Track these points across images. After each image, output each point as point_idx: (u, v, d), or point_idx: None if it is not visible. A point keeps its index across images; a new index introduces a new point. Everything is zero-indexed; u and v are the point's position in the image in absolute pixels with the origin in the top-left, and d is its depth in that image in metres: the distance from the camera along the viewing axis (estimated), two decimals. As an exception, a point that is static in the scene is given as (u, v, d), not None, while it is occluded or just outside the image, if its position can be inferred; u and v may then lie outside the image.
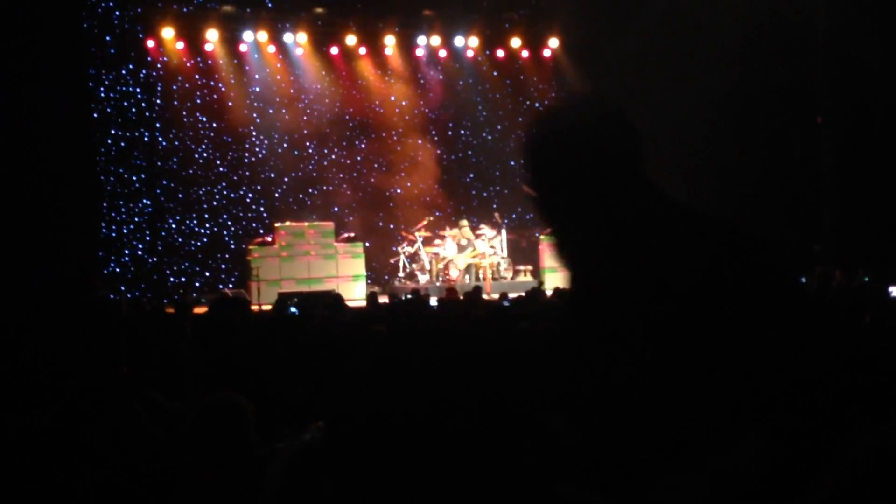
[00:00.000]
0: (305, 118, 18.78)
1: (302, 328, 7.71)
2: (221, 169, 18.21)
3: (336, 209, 18.51)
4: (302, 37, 18.58)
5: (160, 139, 17.80)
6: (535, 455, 1.44)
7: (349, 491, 0.90)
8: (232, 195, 18.27)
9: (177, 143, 17.90)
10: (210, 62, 18.21)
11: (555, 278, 15.30)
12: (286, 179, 18.64)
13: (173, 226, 17.76)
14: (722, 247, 1.85)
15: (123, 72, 17.41)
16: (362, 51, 19.08)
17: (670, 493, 1.67)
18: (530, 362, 1.87)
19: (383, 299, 13.11)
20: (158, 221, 17.57)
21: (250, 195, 18.41)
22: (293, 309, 10.37)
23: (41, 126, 14.07)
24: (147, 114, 17.63)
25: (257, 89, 18.53)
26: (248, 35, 18.27)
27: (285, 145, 18.62)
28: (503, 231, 18.01)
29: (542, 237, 17.54)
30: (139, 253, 17.32)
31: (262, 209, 18.43)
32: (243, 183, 18.37)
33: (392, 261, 18.04)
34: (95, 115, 17.00)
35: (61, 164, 14.54)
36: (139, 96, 17.56)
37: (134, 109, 17.49)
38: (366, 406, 0.97)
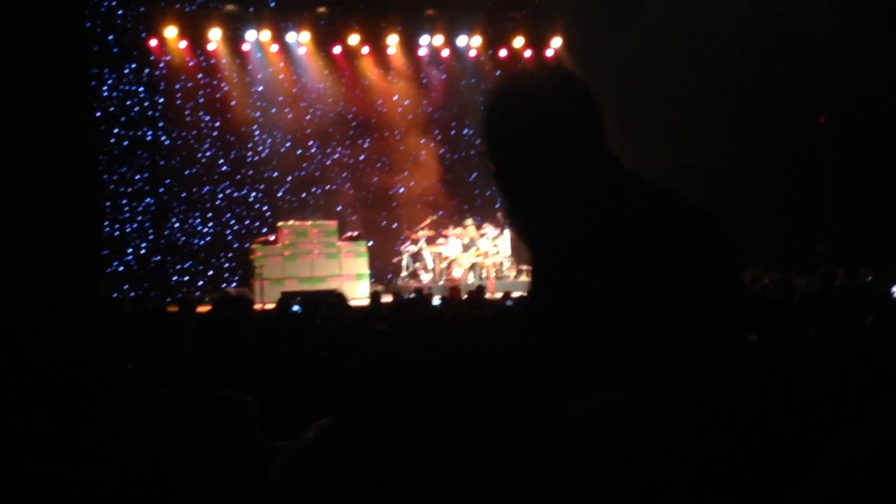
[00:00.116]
0: (308, 117, 18.78)
1: (305, 327, 7.72)
2: (224, 168, 18.23)
3: (339, 208, 18.51)
4: (305, 36, 18.59)
5: (163, 138, 17.82)
6: (540, 452, 1.44)
7: (354, 489, 0.90)
8: (235, 194, 18.28)
9: (179, 142, 17.91)
10: (213, 61, 18.22)
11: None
12: (289, 178, 18.65)
13: (176, 225, 17.77)
14: (669, 224, 1.86)
15: (126, 71, 17.44)
16: (365, 50, 19.09)
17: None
18: (532, 359, 1.87)
19: (386, 298, 13.11)
20: (161, 220, 17.59)
21: (253, 194, 18.42)
22: (296, 307, 10.38)
23: (44, 125, 14.09)
24: (150, 113, 17.66)
25: (260, 88, 18.53)
26: (250, 34, 18.28)
27: (288, 144, 18.62)
28: (506, 230, 18.01)
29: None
30: (142, 252, 17.34)
31: (265, 208, 18.45)
32: (246, 182, 18.38)
33: (395, 260, 18.05)
34: (98, 114, 17.03)
35: (64, 164, 14.56)
36: (142, 95, 17.58)
37: (137, 108, 17.51)
38: (369, 403, 0.98)
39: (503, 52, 20.17)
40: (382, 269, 18.30)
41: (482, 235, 17.63)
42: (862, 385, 4.03)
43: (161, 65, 17.82)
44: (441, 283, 16.89)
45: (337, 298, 10.56)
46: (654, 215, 1.87)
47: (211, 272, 17.86)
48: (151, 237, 17.45)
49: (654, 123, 18.57)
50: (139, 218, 17.41)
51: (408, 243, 17.92)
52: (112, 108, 17.27)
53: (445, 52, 19.76)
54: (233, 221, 18.20)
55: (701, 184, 18.80)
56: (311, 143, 18.80)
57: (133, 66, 17.48)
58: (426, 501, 0.94)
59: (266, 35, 18.36)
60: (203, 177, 18.06)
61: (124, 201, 17.31)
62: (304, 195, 18.69)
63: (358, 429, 0.97)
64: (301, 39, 18.61)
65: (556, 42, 20.34)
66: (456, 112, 19.93)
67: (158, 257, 17.46)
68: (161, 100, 17.83)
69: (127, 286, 16.47)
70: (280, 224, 16.98)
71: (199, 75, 18.17)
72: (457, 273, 17.21)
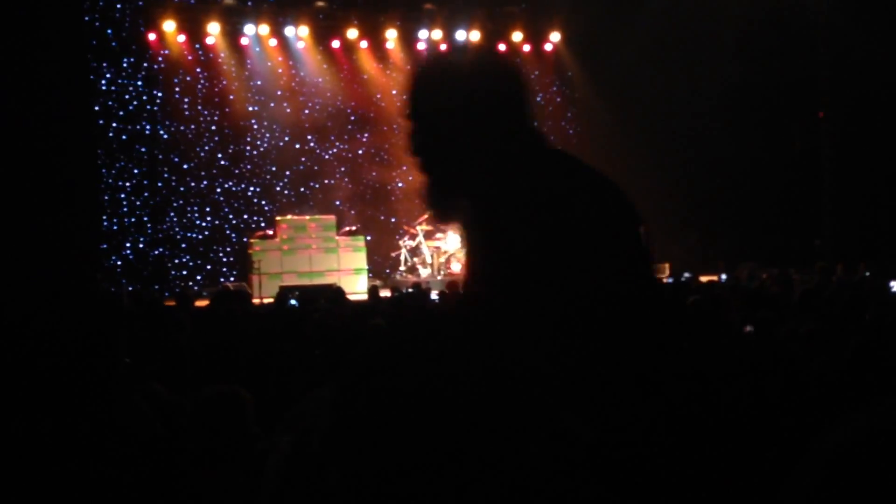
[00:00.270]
0: (307, 111, 18.77)
1: (303, 321, 7.72)
2: (223, 162, 18.21)
3: (338, 203, 18.51)
4: (303, 30, 18.57)
5: (161, 132, 17.80)
6: (539, 450, 1.44)
7: (352, 485, 0.90)
8: (233, 188, 18.27)
9: (178, 136, 17.90)
10: (211, 55, 18.20)
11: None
12: (287, 173, 18.64)
13: (174, 219, 17.76)
14: (583, 194, 1.90)
15: (125, 65, 17.42)
16: (364, 44, 19.07)
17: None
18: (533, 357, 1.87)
19: (385, 293, 13.11)
20: (159, 214, 17.59)
21: (252, 188, 18.41)
22: (293, 301, 10.38)
23: (42, 119, 14.07)
24: (148, 107, 17.64)
25: (259, 82, 18.52)
26: (249, 28, 18.26)
27: (287, 138, 18.61)
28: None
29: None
30: (140, 246, 17.34)
31: (263, 202, 18.44)
32: (244, 176, 18.37)
33: (393, 254, 18.04)
34: (97, 108, 17.02)
35: (62, 157, 14.55)
36: (140, 89, 17.57)
37: (135, 102, 17.50)
38: (368, 400, 0.97)
39: (502, 47, 20.14)
40: (381, 264, 18.30)
41: (480, 230, 17.61)
42: (861, 380, 4.03)
43: (159, 59, 17.80)
44: (439, 277, 16.89)
45: (335, 293, 10.57)
46: (569, 187, 1.89)
47: (209, 266, 17.86)
48: (150, 231, 17.45)
49: (653, 119, 18.58)
50: (137, 212, 17.41)
51: (406, 238, 17.92)
52: (110, 102, 17.26)
53: (444, 47, 19.73)
54: (231, 216, 18.19)
55: (699, 180, 18.84)
56: (309, 137, 18.79)
57: (131, 60, 17.47)
58: (425, 500, 0.94)
59: (265, 29, 18.34)
60: (201, 171, 18.05)
61: (122, 195, 17.31)
62: (302, 189, 18.68)
63: (356, 425, 0.96)
64: (300, 33, 18.59)
65: (555, 37, 20.33)
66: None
67: (157, 251, 17.46)
68: (159, 94, 17.81)
69: (125, 280, 16.46)
70: (278, 218, 16.97)
71: (198, 69, 18.15)
72: (455, 267, 17.21)
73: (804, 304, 7.07)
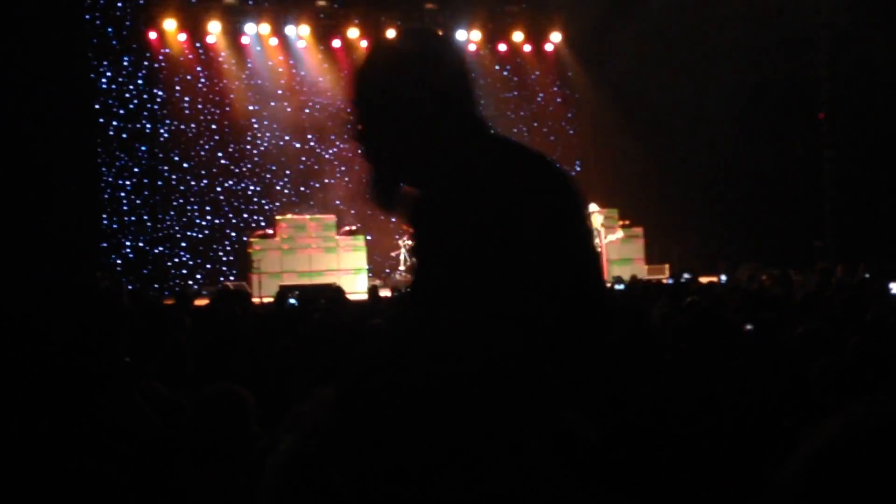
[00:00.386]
0: (307, 111, 18.77)
1: (303, 320, 7.71)
2: (223, 161, 18.21)
3: (338, 202, 18.50)
4: (304, 29, 18.56)
5: (161, 131, 17.80)
6: (538, 448, 1.44)
7: (353, 485, 0.90)
8: (233, 187, 18.27)
9: (178, 135, 17.89)
10: (212, 54, 18.20)
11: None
12: (288, 172, 18.63)
13: (174, 217, 17.76)
14: (524, 177, 1.88)
15: (125, 63, 17.42)
16: (364, 44, 19.06)
17: None
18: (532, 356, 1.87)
19: (385, 293, 13.11)
20: (159, 213, 17.59)
21: (252, 187, 18.41)
22: (292, 301, 10.38)
23: (42, 117, 14.07)
24: (148, 105, 17.64)
25: (259, 82, 18.51)
26: (250, 27, 18.26)
27: (287, 138, 18.61)
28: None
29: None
30: (140, 245, 17.33)
31: (263, 201, 18.44)
32: (244, 175, 18.37)
33: (393, 254, 18.03)
34: (97, 106, 17.01)
35: (62, 156, 14.54)
36: (141, 88, 17.57)
37: (135, 101, 17.50)
38: (367, 399, 0.97)
39: (503, 47, 20.14)
40: (380, 264, 18.30)
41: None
42: (860, 381, 4.03)
43: (160, 58, 17.80)
44: (439, 277, 16.86)
45: (335, 292, 10.57)
46: (516, 174, 1.88)
47: (209, 265, 17.85)
48: (149, 230, 17.45)
49: (653, 119, 18.57)
50: (137, 211, 17.41)
51: (406, 237, 17.92)
52: (111, 101, 17.26)
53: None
54: (231, 215, 18.19)
55: (700, 180, 18.84)
56: (309, 136, 18.78)
57: (132, 58, 17.47)
58: (424, 499, 0.94)
59: (265, 28, 18.34)
60: (201, 170, 18.05)
61: (122, 194, 17.31)
62: (302, 189, 18.68)
63: (356, 425, 0.96)
64: (300, 33, 18.59)
65: (556, 37, 20.32)
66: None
67: (156, 250, 17.46)
68: (160, 92, 17.81)
69: (125, 279, 16.46)
70: (278, 218, 16.97)
71: (198, 68, 18.15)
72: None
73: (805, 306, 7.07)
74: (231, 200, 18.22)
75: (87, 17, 16.80)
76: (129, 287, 15.12)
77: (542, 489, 1.23)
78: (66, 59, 15.09)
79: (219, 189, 18.13)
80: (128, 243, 17.23)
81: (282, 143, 18.57)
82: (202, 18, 17.93)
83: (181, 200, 17.86)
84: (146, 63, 17.64)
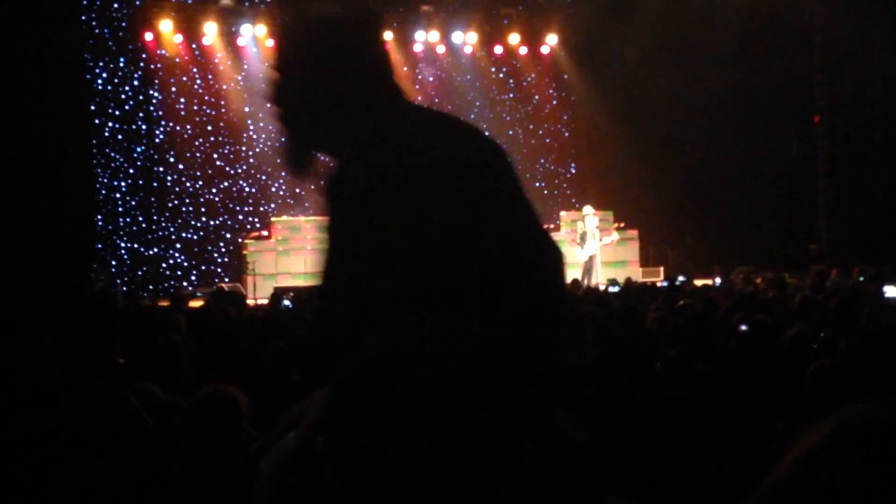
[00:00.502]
0: (303, 112, 18.74)
1: (297, 322, 7.71)
2: (218, 162, 18.19)
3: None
4: (300, 31, 18.54)
5: (157, 132, 17.78)
6: (535, 449, 1.44)
7: (349, 486, 0.90)
8: (229, 189, 18.25)
9: (174, 136, 17.88)
10: (208, 56, 18.18)
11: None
12: (283, 174, 18.60)
13: (169, 219, 17.74)
14: (443, 146, 1.83)
15: (121, 64, 17.40)
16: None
17: None
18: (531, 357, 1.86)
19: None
20: (154, 214, 17.56)
21: (247, 189, 18.39)
22: (286, 302, 10.37)
23: (38, 118, 14.04)
24: (144, 106, 17.62)
25: (255, 83, 18.49)
26: (246, 29, 18.24)
27: (283, 139, 18.57)
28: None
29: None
30: (135, 246, 17.31)
31: (258, 203, 18.41)
32: (240, 176, 18.35)
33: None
34: (92, 107, 16.98)
35: (57, 156, 14.51)
36: (136, 89, 17.55)
37: (131, 102, 17.48)
38: (364, 399, 0.97)
39: (499, 49, 20.14)
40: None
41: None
42: (854, 383, 4.04)
43: (156, 59, 17.78)
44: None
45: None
46: (439, 141, 1.84)
47: (203, 267, 17.83)
48: (144, 231, 17.42)
49: (649, 122, 18.59)
50: (132, 212, 17.38)
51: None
52: (106, 102, 17.23)
53: (441, 49, 19.73)
54: (226, 216, 18.17)
55: (695, 183, 18.85)
56: (305, 138, 18.76)
57: (128, 59, 17.45)
58: (423, 499, 0.94)
59: (261, 30, 18.32)
60: (197, 171, 18.03)
61: (117, 195, 17.28)
62: (297, 190, 18.66)
63: (354, 425, 0.96)
64: (296, 34, 18.57)
65: (552, 39, 20.33)
66: (451, 109, 19.90)
67: (151, 251, 17.43)
68: (155, 94, 17.79)
69: (119, 280, 16.43)
70: (273, 219, 16.95)
71: (194, 69, 18.13)
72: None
73: (799, 309, 7.08)
74: (226, 202, 18.20)
75: (84, 17, 16.77)
76: (124, 288, 15.10)
77: (541, 490, 1.24)
78: (62, 60, 15.07)
79: (214, 190, 18.11)
80: (122, 244, 17.21)
81: (277, 144, 18.51)
82: (198, 20, 17.91)
83: (176, 202, 17.84)
84: (142, 64, 17.62)
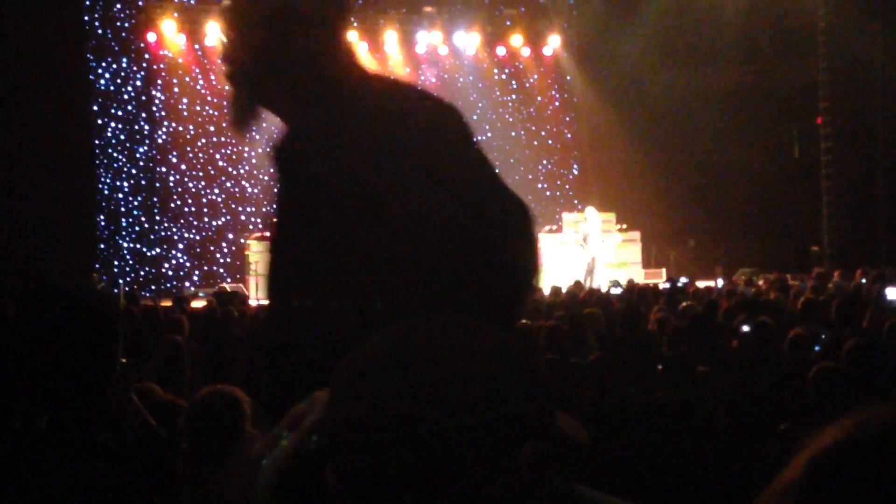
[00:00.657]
0: (305, 113, 18.75)
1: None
2: (221, 163, 18.20)
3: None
4: (302, 32, 18.55)
5: (159, 133, 17.79)
6: (534, 450, 1.43)
7: (348, 487, 0.90)
8: (231, 189, 18.25)
9: (176, 136, 17.88)
10: (211, 56, 18.18)
11: (551, 276, 15.30)
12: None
13: (171, 219, 17.75)
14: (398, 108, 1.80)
15: (124, 65, 17.41)
16: (364, 46, 19.06)
17: None
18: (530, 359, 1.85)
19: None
20: (156, 215, 17.57)
21: (249, 189, 18.39)
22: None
23: (40, 119, 14.06)
24: (147, 107, 17.63)
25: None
26: (248, 29, 18.23)
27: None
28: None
29: (540, 235, 17.54)
30: (137, 246, 17.32)
31: (261, 204, 18.41)
32: (242, 177, 18.35)
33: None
34: (95, 107, 17.00)
35: (60, 157, 14.53)
36: (139, 89, 17.56)
37: (134, 102, 17.49)
38: (363, 400, 0.97)
39: (501, 50, 20.14)
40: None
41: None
42: (856, 385, 4.04)
43: (159, 59, 17.79)
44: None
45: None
46: (393, 104, 1.80)
47: (206, 267, 17.84)
48: (146, 232, 17.43)
49: (651, 124, 18.58)
50: (134, 212, 17.38)
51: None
52: (109, 102, 17.25)
53: (443, 50, 19.73)
54: (228, 217, 18.17)
55: (698, 185, 18.85)
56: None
57: (131, 59, 17.46)
58: (423, 500, 0.94)
59: (263, 30, 18.32)
60: (199, 171, 18.03)
61: (120, 195, 17.29)
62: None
63: (353, 425, 0.96)
64: (299, 35, 18.58)
65: (554, 41, 20.32)
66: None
67: (153, 252, 17.44)
68: (158, 94, 17.80)
69: (121, 280, 16.44)
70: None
71: (197, 70, 18.14)
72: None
73: (802, 311, 7.08)
74: (228, 202, 18.20)
75: (86, 18, 16.79)
76: (126, 289, 15.12)
77: (540, 490, 1.24)
78: (65, 61, 15.09)
79: (216, 191, 18.11)
80: (125, 245, 17.21)
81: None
82: (201, 20, 17.91)
83: (178, 202, 17.84)
84: (145, 65, 17.63)
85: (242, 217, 18.26)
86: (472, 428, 0.91)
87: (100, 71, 17.16)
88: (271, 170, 1.98)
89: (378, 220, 1.72)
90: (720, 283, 14.55)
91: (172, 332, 6.37)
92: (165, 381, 4.33)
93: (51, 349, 2.15)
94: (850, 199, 17.63)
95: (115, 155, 17.31)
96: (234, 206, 18.23)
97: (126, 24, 17.38)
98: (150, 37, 17.59)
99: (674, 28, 17.87)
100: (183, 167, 17.89)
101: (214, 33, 17.94)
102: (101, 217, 16.96)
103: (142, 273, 17.14)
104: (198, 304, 11.59)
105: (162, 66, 17.84)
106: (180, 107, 17.93)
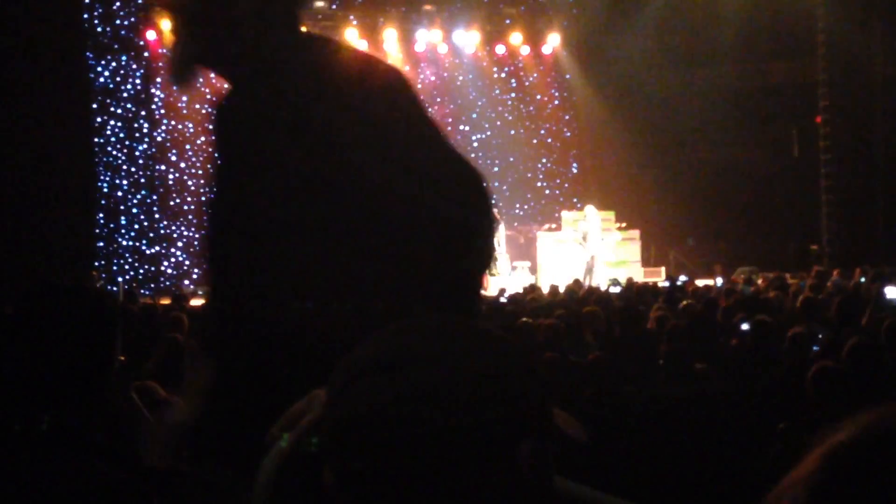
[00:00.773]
0: (305, 111, 18.76)
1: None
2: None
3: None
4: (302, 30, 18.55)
5: (159, 130, 17.79)
6: (533, 449, 1.43)
7: (348, 486, 0.90)
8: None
9: (175, 134, 17.89)
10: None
11: (550, 275, 15.31)
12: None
13: (170, 217, 17.75)
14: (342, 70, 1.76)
15: (123, 62, 17.41)
16: (362, 44, 19.06)
17: None
18: (530, 358, 1.84)
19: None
20: (156, 213, 17.58)
21: (248, 188, 18.38)
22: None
23: (40, 116, 14.05)
24: (146, 105, 17.63)
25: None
26: (248, 27, 18.23)
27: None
28: (501, 227, 17.98)
29: (539, 233, 17.54)
30: (136, 244, 17.32)
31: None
32: (242, 175, 18.34)
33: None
34: (94, 105, 17.00)
35: (59, 155, 14.53)
36: (139, 87, 17.56)
37: (133, 101, 17.49)
38: (361, 399, 0.97)
39: (501, 49, 20.14)
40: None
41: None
42: (856, 384, 4.04)
43: (158, 57, 17.78)
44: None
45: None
46: (331, 64, 1.76)
47: (205, 265, 17.82)
48: (146, 229, 17.43)
49: (651, 122, 18.59)
50: (133, 210, 17.39)
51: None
52: (108, 100, 17.25)
53: (442, 48, 19.73)
54: (228, 215, 18.16)
55: (697, 184, 18.85)
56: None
57: (130, 57, 17.46)
58: (423, 500, 0.94)
59: (263, 28, 18.32)
60: (198, 170, 18.03)
61: (119, 193, 17.30)
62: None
63: (352, 425, 0.96)
64: (298, 33, 18.58)
65: (554, 39, 20.32)
66: (453, 108, 19.91)
67: (152, 250, 17.44)
68: (157, 92, 17.80)
69: (121, 278, 16.45)
70: (275, 218, 16.95)
71: (196, 68, 18.13)
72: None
73: (801, 310, 7.08)
74: (228, 200, 18.20)
75: (86, 16, 16.78)
76: (125, 287, 15.12)
77: (539, 490, 1.24)
78: (65, 58, 15.08)
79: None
80: (124, 243, 17.21)
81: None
82: (200, 18, 17.91)
83: (178, 200, 17.84)
84: (144, 63, 17.62)
85: (242, 215, 18.25)
86: (469, 427, 0.91)
87: (99, 69, 17.15)
88: (211, 130, 1.90)
89: (329, 192, 1.67)
90: (719, 281, 14.56)
91: (172, 330, 6.37)
92: (165, 380, 4.33)
93: (49, 347, 2.15)
94: (850, 198, 17.62)
95: (114, 153, 17.31)
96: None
97: (126, 22, 17.37)
98: (150, 35, 17.58)
99: (673, 27, 17.87)
100: (182, 165, 17.89)
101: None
102: (101, 215, 16.96)
103: (141, 271, 17.15)
104: (197, 301, 11.59)
105: (161, 63, 17.82)
106: (180, 105, 17.92)
